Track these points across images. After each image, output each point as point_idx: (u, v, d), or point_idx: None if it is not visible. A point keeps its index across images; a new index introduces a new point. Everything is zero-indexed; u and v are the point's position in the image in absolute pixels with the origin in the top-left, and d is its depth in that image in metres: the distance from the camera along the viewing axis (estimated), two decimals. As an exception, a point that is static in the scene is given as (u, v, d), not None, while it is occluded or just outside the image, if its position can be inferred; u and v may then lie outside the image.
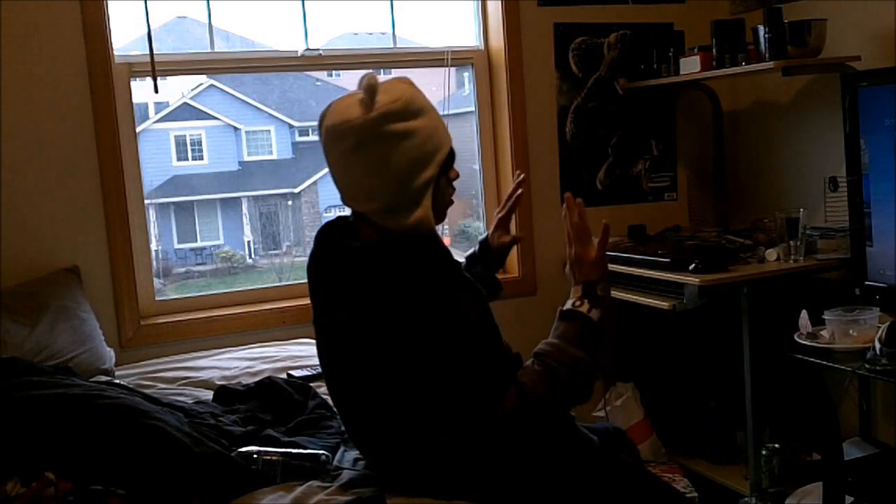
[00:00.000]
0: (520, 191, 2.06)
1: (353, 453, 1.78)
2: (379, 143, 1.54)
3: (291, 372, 2.42)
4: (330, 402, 2.11)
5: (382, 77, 1.60)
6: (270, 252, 3.54)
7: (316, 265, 1.70)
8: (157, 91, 2.79)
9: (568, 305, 1.64)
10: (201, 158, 3.45)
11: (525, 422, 1.52)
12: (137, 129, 2.89)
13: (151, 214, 3.05)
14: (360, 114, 1.54)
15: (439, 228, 1.72)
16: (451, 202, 1.71)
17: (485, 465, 1.57)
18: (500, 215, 2.07)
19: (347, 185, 1.61)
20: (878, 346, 2.18)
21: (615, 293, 2.97)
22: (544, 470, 1.62)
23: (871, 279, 2.53)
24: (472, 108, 3.34)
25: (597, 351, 1.60)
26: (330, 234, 1.70)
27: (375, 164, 1.55)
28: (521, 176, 2.09)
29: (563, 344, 1.58)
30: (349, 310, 1.59)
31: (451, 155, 1.64)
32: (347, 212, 1.70)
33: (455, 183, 1.69)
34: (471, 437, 1.53)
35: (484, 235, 2.12)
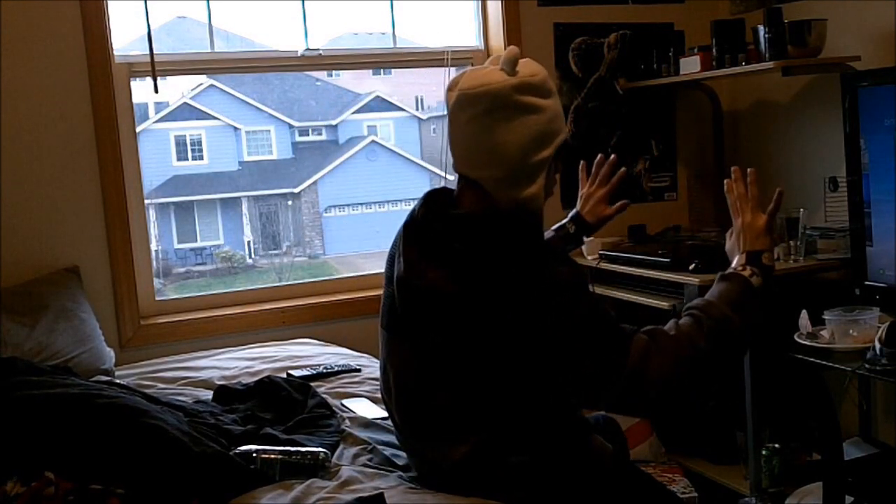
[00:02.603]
0: (622, 169, 2.09)
1: (353, 451, 1.77)
2: (511, 109, 1.56)
3: (291, 372, 2.42)
4: (330, 401, 2.11)
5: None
6: (270, 252, 3.53)
7: (414, 225, 1.65)
8: (157, 91, 2.80)
9: (729, 270, 1.65)
10: (201, 158, 3.45)
11: (657, 358, 1.48)
12: (137, 129, 2.89)
13: (151, 214, 3.05)
14: (501, 78, 1.56)
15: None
16: (552, 194, 1.70)
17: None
18: (599, 193, 2.08)
19: (469, 150, 1.61)
20: (878, 346, 2.18)
21: (615, 293, 2.98)
22: (561, 476, 1.59)
23: (871, 279, 2.52)
24: (472, 108, 3.33)
25: (750, 318, 1.58)
26: (434, 199, 1.67)
27: (503, 130, 1.56)
28: (613, 157, 2.11)
29: (718, 301, 1.58)
30: (448, 271, 1.54)
31: (565, 144, 1.65)
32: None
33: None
34: (606, 385, 1.49)
35: (575, 210, 2.11)
